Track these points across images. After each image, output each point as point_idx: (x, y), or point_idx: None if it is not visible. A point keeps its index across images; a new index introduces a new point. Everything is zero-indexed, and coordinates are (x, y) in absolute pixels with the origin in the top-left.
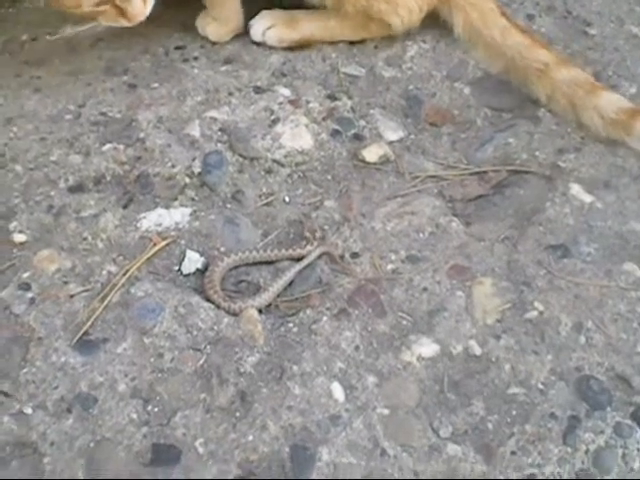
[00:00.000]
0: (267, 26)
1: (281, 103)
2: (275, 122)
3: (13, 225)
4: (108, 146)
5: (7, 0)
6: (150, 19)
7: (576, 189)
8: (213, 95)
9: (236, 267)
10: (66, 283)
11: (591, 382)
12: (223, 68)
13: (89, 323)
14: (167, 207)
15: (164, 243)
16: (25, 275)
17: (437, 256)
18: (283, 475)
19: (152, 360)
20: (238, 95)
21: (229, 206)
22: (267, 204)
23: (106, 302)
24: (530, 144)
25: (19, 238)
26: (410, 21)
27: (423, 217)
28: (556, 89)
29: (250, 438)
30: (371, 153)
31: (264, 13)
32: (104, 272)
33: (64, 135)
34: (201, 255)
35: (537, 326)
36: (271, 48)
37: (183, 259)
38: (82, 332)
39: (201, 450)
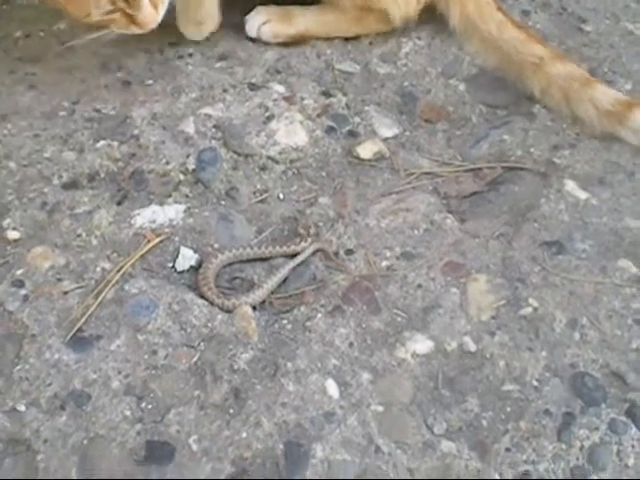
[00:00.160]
0: (262, 21)
1: (275, 100)
2: (269, 119)
3: (6, 222)
4: (102, 143)
5: None
6: None
7: (571, 186)
8: (207, 92)
9: (230, 264)
10: (60, 280)
11: (586, 379)
12: (217, 65)
13: (83, 320)
14: (161, 204)
15: (158, 240)
16: (19, 272)
17: (432, 253)
18: (277, 472)
19: (146, 357)
20: (232, 92)
21: (223, 203)
22: (261, 201)
23: (100, 299)
24: (525, 141)
25: (13, 235)
26: (408, 12)
27: (418, 214)
28: (551, 83)
29: (244, 435)
30: (366, 150)
31: (259, 9)
32: (98, 269)
33: (58, 132)
34: (195, 252)
35: (532, 323)
36: (266, 45)
37: (177, 256)
38: (76, 329)
39: (195, 447)
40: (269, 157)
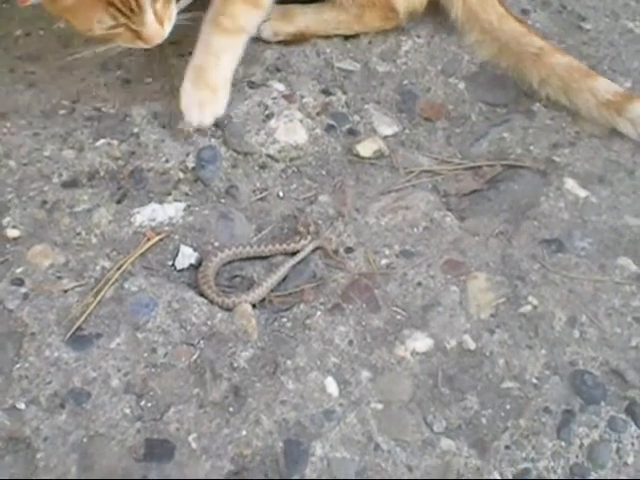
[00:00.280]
0: None
1: (275, 98)
2: (269, 117)
3: (6, 220)
4: (102, 141)
5: None
6: None
7: (571, 184)
8: None
9: (230, 262)
10: (59, 278)
11: (585, 376)
12: None
13: (82, 318)
14: (161, 202)
15: (158, 238)
16: (18, 270)
17: (431, 251)
18: (277, 470)
19: (145, 355)
20: (232, 90)
21: (223, 201)
22: (261, 199)
23: (100, 297)
24: (525, 139)
25: (12, 233)
26: (414, 6)
27: (417, 212)
28: (551, 73)
29: (244, 433)
30: (365, 148)
31: None
32: (98, 267)
33: (58, 130)
34: (195, 250)
35: (531, 320)
36: (266, 43)
37: (177, 254)
38: (75, 327)
39: (194, 445)
40: (269, 155)
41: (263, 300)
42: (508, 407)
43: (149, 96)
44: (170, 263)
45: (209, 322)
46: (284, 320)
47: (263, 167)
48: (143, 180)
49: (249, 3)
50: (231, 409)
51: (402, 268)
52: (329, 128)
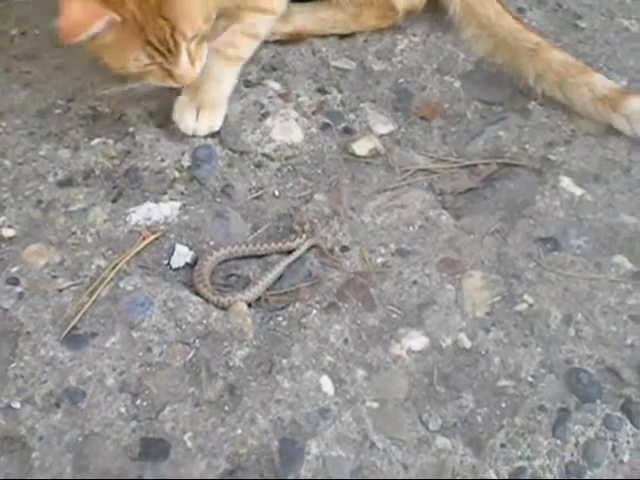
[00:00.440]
0: None
1: (271, 97)
2: (265, 116)
3: (2, 220)
4: (97, 140)
5: None
6: None
7: (566, 182)
8: None
9: (225, 261)
10: (55, 277)
11: (581, 375)
12: None
13: (78, 317)
14: (156, 201)
15: (153, 237)
16: (14, 270)
17: (427, 249)
18: (272, 468)
19: (141, 354)
20: None
21: (218, 200)
22: (257, 198)
23: (95, 296)
24: (520, 137)
25: (8, 233)
26: (413, 3)
27: (413, 210)
28: (547, 68)
29: (239, 432)
30: (361, 147)
31: None
32: (93, 266)
33: (53, 129)
34: (190, 249)
35: (527, 319)
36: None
37: (172, 253)
38: (71, 326)
39: (190, 444)
40: (264, 154)
41: (259, 299)
42: (503, 405)
43: (144, 95)
44: (166, 262)
45: (204, 321)
46: (280, 319)
47: (259, 166)
48: (138, 179)
49: (251, 36)
50: (226, 408)
51: (398, 267)
52: (325, 127)
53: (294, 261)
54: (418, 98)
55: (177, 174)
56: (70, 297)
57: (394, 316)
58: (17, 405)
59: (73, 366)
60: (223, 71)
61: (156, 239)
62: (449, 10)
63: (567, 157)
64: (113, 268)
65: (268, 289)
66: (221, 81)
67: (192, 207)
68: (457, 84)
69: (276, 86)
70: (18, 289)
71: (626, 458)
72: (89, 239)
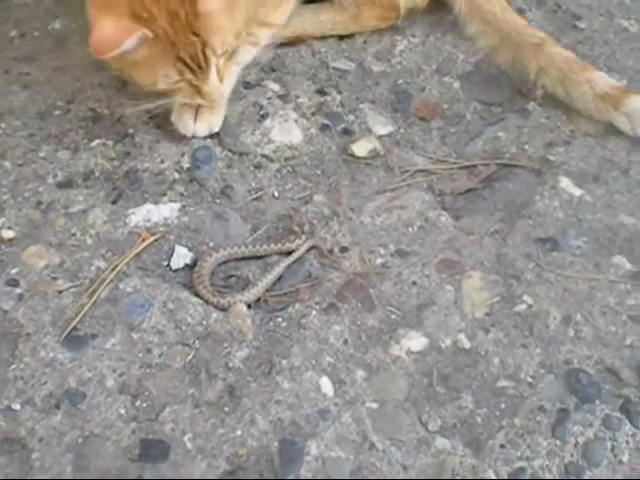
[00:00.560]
0: None
1: (270, 98)
2: (264, 117)
3: (1, 221)
4: (97, 142)
5: None
6: None
7: (565, 182)
8: None
9: (225, 262)
10: (54, 279)
11: (580, 375)
12: None
13: (77, 319)
14: (156, 202)
15: (153, 238)
16: (13, 271)
17: (426, 250)
18: (272, 469)
19: (141, 355)
20: None
21: (218, 201)
22: (256, 199)
23: (95, 298)
24: (519, 138)
25: (7, 234)
26: (415, 2)
27: (412, 211)
28: (550, 63)
29: (239, 433)
30: (360, 148)
31: None
32: (93, 268)
33: (53, 131)
34: (190, 250)
35: (526, 319)
36: None
37: (172, 254)
38: (70, 328)
39: (190, 445)
40: (264, 155)
41: (258, 300)
42: (503, 406)
43: (144, 96)
44: (165, 263)
45: (204, 322)
46: (279, 320)
47: (258, 167)
48: (138, 180)
49: (253, 44)
50: (226, 409)
51: (397, 267)
52: (324, 128)
53: (293, 262)
54: (417, 99)
55: (177, 175)
56: (70, 298)
57: (393, 317)
58: (17, 406)
59: (73, 367)
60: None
61: (156, 240)
62: (454, 8)
63: (566, 158)
64: (113, 269)
65: (268, 290)
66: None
67: (192, 208)
68: (456, 85)
69: (275, 87)
70: (18, 290)
71: (625, 458)
72: (89, 240)
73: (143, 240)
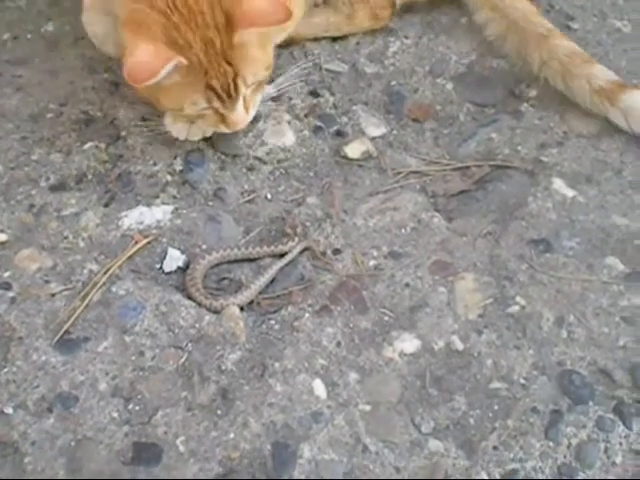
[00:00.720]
0: None
1: (263, 100)
2: (257, 119)
3: None
4: (89, 144)
5: None
6: None
7: (558, 184)
8: None
9: (218, 264)
10: (47, 282)
11: (573, 376)
12: None
13: (70, 322)
14: (149, 205)
15: (145, 241)
16: (6, 274)
17: (419, 252)
18: (265, 472)
19: (133, 358)
20: None
21: (211, 204)
22: (249, 201)
23: (87, 301)
24: (512, 139)
25: (0, 237)
26: None
27: (405, 213)
28: (553, 55)
29: (231, 436)
30: (353, 149)
31: None
32: (85, 271)
33: (45, 134)
34: (182, 253)
35: (519, 321)
36: None
37: (164, 257)
38: (63, 331)
39: (182, 448)
40: (256, 157)
41: (251, 302)
42: (496, 407)
43: (137, 99)
44: (158, 266)
45: (197, 325)
46: (272, 322)
47: (251, 169)
48: (131, 183)
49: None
50: (219, 412)
51: (390, 269)
52: (317, 130)
53: (286, 264)
54: (410, 100)
55: (169, 178)
56: (62, 302)
57: (386, 319)
58: (10, 410)
59: (65, 371)
60: None
61: (148, 243)
62: None
63: (559, 159)
64: (105, 272)
65: (260, 292)
66: None
67: (184, 211)
68: (449, 86)
69: (268, 89)
70: (10, 294)
71: (618, 460)
72: (81, 243)
73: (136, 243)
